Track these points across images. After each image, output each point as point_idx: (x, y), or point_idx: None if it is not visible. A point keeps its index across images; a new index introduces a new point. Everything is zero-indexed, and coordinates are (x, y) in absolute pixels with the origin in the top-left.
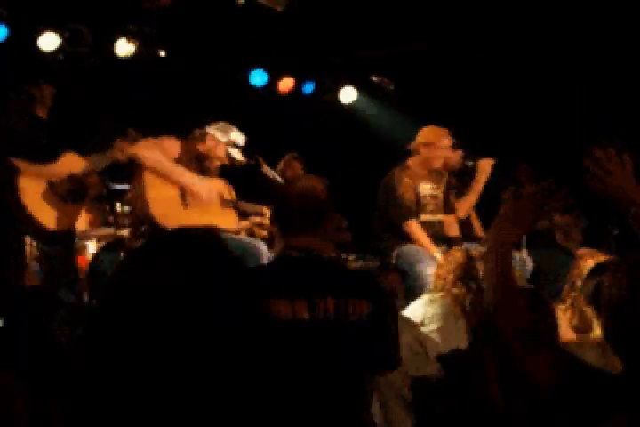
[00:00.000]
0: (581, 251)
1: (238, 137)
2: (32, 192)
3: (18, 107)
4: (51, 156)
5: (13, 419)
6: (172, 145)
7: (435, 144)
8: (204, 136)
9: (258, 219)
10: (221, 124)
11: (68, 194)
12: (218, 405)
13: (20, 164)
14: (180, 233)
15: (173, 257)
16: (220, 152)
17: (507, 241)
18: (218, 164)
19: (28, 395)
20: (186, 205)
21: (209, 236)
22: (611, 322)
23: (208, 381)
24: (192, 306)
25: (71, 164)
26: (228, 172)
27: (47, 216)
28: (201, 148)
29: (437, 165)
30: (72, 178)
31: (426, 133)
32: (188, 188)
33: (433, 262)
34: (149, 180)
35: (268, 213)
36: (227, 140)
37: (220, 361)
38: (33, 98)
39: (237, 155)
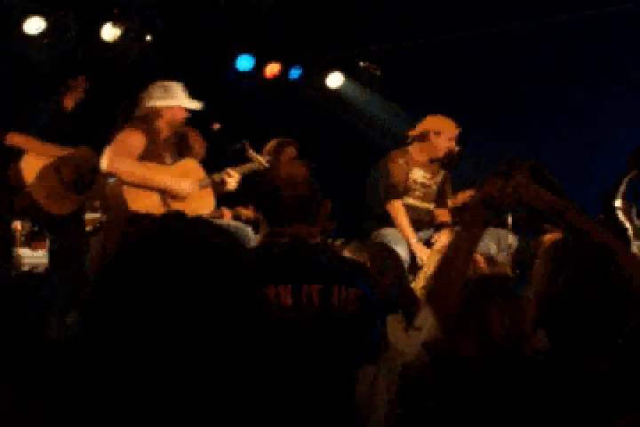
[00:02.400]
0: (548, 237)
1: (180, 89)
2: (34, 171)
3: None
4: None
5: None
6: (137, 139)
7: (445, 133)
8: (156, 112)
9: (220, 188)
10: (155, 89)
11: (72, 183)
12: (215, 398)
13: (29, 140)
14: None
15: (170, 248)
16: (179, 115)
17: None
18: (181, 127)
19: (12, 394)
20: (167, 206)
21: (200, 223)
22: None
23: (208, 374)
24: (194, 296)
25: (82, 155)
26: (214, 156)
27: (45, 198)
28: (161, 124)
29: (442, 154)
30: (80, 169)
31: (438, 122)
32: (170, 189)
33: (405, 246)
34: (128, 193)
35: (229, 177)
36: (176, 100)
37: (224, 351)
38: (67, 88)
39: (192, 104)
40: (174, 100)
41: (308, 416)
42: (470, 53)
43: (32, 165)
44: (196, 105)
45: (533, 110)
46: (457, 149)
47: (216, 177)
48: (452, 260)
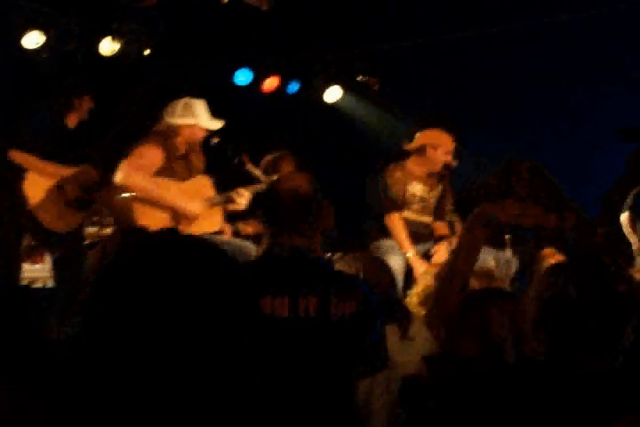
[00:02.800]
0: (546, 251)
1: (201, 108)
2: (37, 190)
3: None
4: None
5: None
6: (154, 154)
7: (442, 148)
8: (174, 130)
9: (230, 206)
10: (178, 106)
11: (75, 200)
12: (214, 404)
13: (31, 159)
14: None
15: (168, 260)
16: (198, 134)
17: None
18: (198, 147)
19: (12, 394)
20: (177, 223)
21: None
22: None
23: (206, 381)
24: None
25: (84, 173)
26: (213, 169)
27: (48, 216)
28: (179, 141)
29: (439, 168)
30: (83, 187)
31: (435, 136)
32: (180, 209)
33: (401, 258)
34: (138, 208)
35: (239, 197)
36: (195, 119)
37: (219, 362)
38: (71, 107)
39: (213, 124)
40: (194, 118)
41: (309, 417)
42: (470, 53)
43: (34, 183)
44: (216, 125)
45: (533, 110)
46: (454, 163)
47: (233, 195)
48: (454, 261)
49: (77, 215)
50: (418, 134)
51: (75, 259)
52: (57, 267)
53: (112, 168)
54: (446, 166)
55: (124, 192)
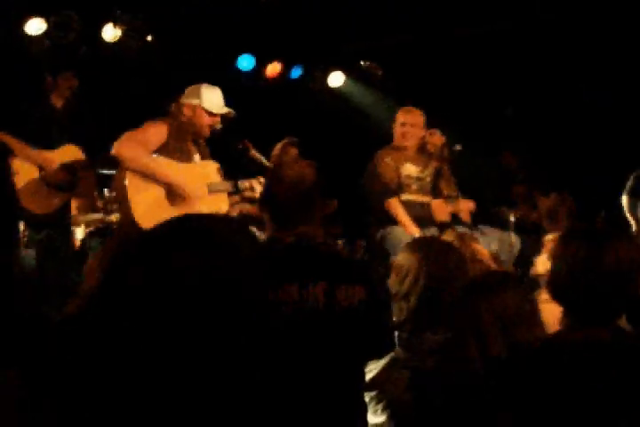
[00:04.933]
0: (549, 236)
1: (209, 92)
2: (22, 176)
3: (34, 93)
4: (57, 144)
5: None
6: (159, 130)
7: (398, 120)
8: (179, 108)
9: (248, 193)
10: (190, 88)
11: (57, 185)
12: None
13: (14, 142)
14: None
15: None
16: (201, 117)
17: None
18: (208, 133)
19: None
20: (172, 202)
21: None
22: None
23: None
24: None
25: (68, 154)
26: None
27: (33, 202)
28: (184, 120)
29: (410, 143)
30: (65, 168)
31: (399, 113)
32: (174, 186)
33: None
34: (132, 182)
35: (257, 186)
36: (199, 100)
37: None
38: (49, 86)
39: (217, 109)
40: (199, 99)
41: (318, 404)
42: (473, 52)
43: (18, 167)
44: (218, 110)
45: (536, 108)
46: (439, 137)
47: (245, 183)
48: None
49: (61, 196)
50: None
51: (60, 240)
52: (41, 249)
53: (102, 147)
54: (429, 144)
55: (121, 165)
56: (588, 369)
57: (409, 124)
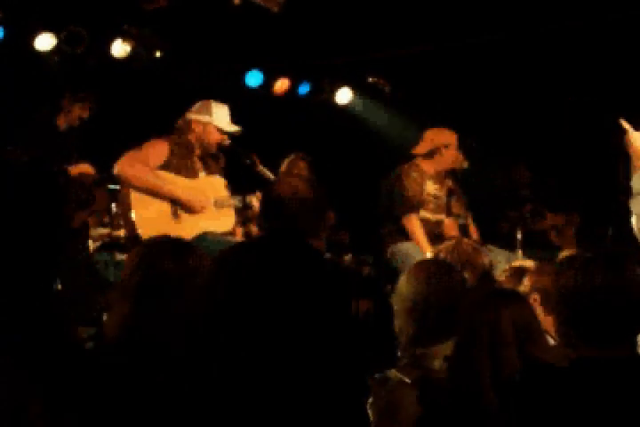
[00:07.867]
0: (564, 253)
1: (220, 109)
2: None
3: (39, 118)
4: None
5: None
6: (159, 149)
7: (453, 145)
8: (187, 124)
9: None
10: (198, 104)
11: (74, 201)
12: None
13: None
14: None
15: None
16: (212, 134)
17: None
18: (214, 149)
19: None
20: (177, 217)
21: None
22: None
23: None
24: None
25: (82, 171)
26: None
27: None
28: (192, 138)
29: (452, 165)
30: (82, 186)
31: (443, 135)
32: (178, 200)
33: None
34: (135, 198)
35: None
36: (210, 118)
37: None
38: (59, 107)
39: (228, 126)
40: (208, 117)
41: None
42: (482, 68)
43: None
44: (228, 128)
45: (543, 120)
46: (464, 164)
47: (253, 198)
48: None
49: (80, 214)
50: (426, 135)
51: (80, 258)
52: (62, 266)
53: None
54: (457, 162)
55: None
56: (620, 389)
57: (453, 146)
